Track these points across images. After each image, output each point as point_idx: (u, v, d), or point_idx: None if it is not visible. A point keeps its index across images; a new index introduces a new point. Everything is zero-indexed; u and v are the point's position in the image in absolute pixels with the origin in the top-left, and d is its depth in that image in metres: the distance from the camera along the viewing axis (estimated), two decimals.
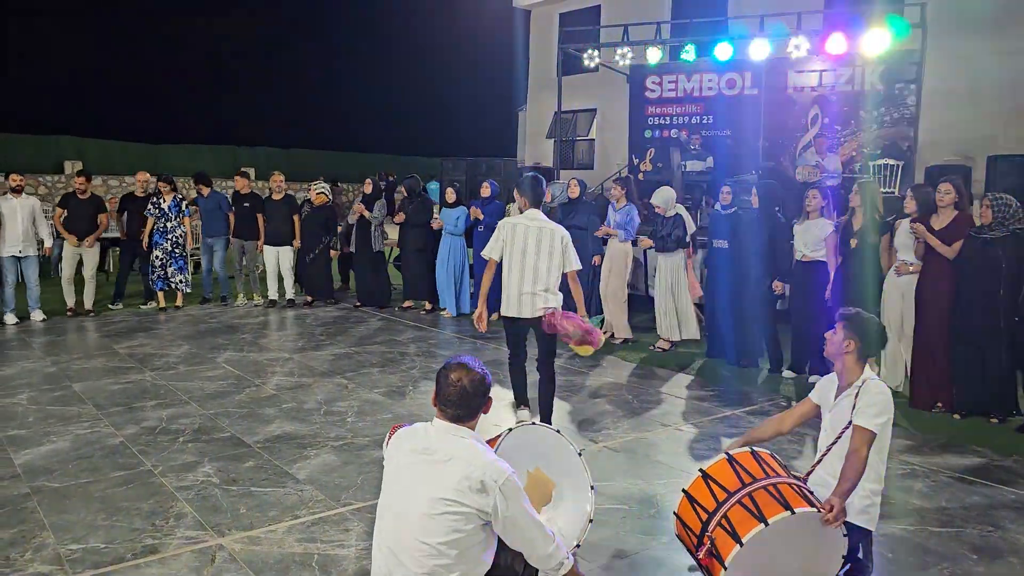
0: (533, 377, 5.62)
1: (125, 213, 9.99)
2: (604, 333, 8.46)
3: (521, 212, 5.41)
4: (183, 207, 9.95)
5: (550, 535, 2.52)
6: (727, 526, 2.77)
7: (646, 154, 13.80)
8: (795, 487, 2.86)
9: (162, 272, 9.86)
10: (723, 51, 11.42)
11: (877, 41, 9.91)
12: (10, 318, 8.84)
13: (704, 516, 2.87)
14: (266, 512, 4.07)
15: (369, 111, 39.13)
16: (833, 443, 3.06)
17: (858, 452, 2.92)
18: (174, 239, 9.81)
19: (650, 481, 4.59)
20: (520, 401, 5.67)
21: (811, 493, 2.89)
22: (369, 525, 3.85)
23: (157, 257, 9.84)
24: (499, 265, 5.35)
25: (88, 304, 9.45)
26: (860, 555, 3.05)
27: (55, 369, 6.92)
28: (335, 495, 4.30)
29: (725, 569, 2.70)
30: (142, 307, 9.97)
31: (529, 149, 19.23)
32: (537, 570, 2.68)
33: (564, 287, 5.32)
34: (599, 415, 5.90)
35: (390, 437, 2.67)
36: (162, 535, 3.78)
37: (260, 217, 10.26)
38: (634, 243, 8.41)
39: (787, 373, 7.07)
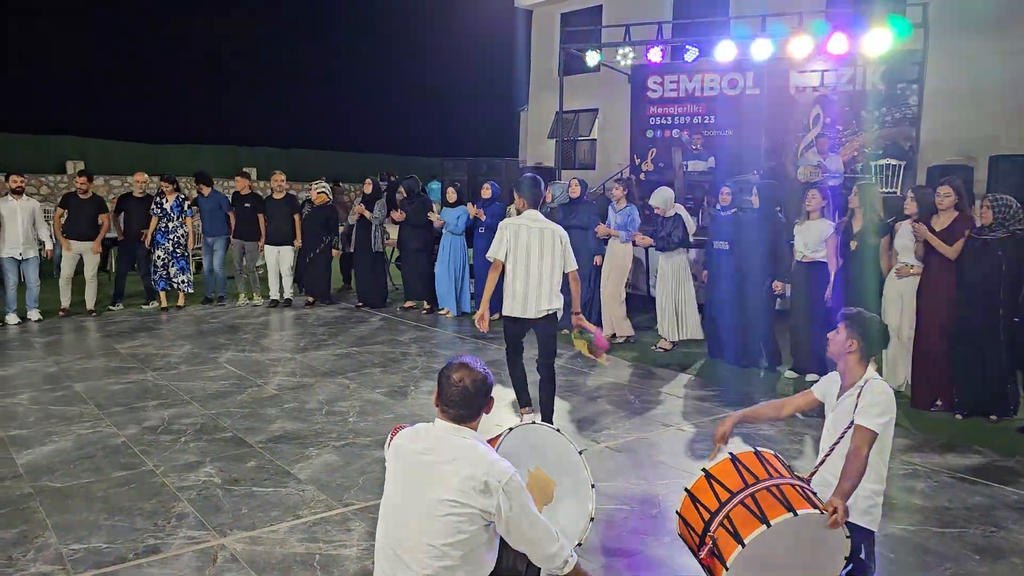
0: (532, 377, 5.63)
1: (123, 213, 9.95)
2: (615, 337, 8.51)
3: (519, 213, 5.43)
4: (185, 207, 9.96)
5: (554, 534, 2.52)
6: (729, 526, 2.76)
7: (648, 154, 13.80)
8: (798, 488, 2.85)
9: (164, 272, 9.86)
10: (725, 51, 11.42)
11: (879, 41, 9.90)
12: (12, 318, 8.85)
13: (706, 516, 2.87)
14: (268, 512, 4.07)
15: (370, 111, 39.15)
16: (835, 443, 3.05)
17: (859, 452, 2.91)
18: (175, 239, 9.82)
19: (651, 481, 4.59)
20: (523, 403, 5.67)
21: (814, 494, 2.88)
22: (371, 525, 3.85)
23: (159, 257, 9.85)
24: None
25: (90, 304, 9.46)
26: (862, 556, 3.05)
27: (57, 369, 6.93)
28: (337, 495, 4.30)
29: (727, 569, 2.70)
30: (144, 307, 9.96)
31: (530, 149, 19.22)
32: (539, 570, 2.68)
33: (564, 287, 5.35)
34: (600, 415, 5.90)
35: (392, 438, 2.67)
36: (164, 535, 3.79)
37: (261, 217, 10.27)
38: (634, 243, 8.41)
39: (788, 373, 7.07)
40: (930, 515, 4.16)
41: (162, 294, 9.99)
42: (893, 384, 6.24)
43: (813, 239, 6.83)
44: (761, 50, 11.00)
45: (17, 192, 8.86)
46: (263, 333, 8.75)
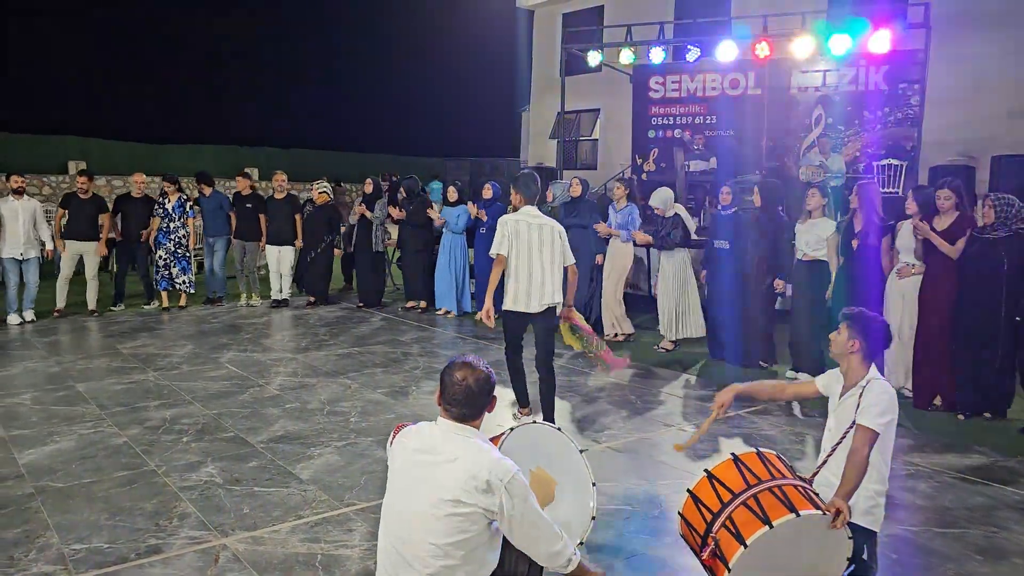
0: (531, 378, 5.64)
1: (120, 214, 9.87)
2: (605, 336, 8.51)
3: (516, 209, 5.48)
4: (187, 208, 9.96)
5: (557, 532, 2.52)
6: (731, 527, 2.76)
7: (649, 154, 13.80)
8: (800, 489, 2.85)
9: (166, 272, 9.87)
10: (726, 51, 11.42)
11: (880, 41, 9.91)
12: (13, 319, 8.85)
13: (709, 517, 2.86)
14: (269, 512, 4.07)
15: (372, 111, 39.19)
16: (838, 443, 3.05)
17: (859, 452, 2.91)
18: (177, 239, 9.83)
19: (653, 482, 4.59)
20: (522, 402, 5.68)
21: (816, 495, 2.88)
22: (373, 525, 3.85)
23: (160, 257, 9.86)
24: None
25: (91, 305, 9.46)
26: (864, 556, 3.04)
27: (59, 369, 6.93)
28: (339, 495, 4.30)
29: (729, 571, 2.70)
30: (144, 307, 9.96)
31: (532, 149, 19.23)
32: (542, 570, 2.67)
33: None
34: (602, 415, 5.90)
35: (394, 436, 2.67)
36: (166, 535, 3.79)
37: (262, 217, 10.27)
38: (634, 242, 8.42)
39: (789, 373, 7.06)
40: (932, 515, 4.16)
41: (164, 294, 9.99)
42: (894, 384, 6.24)
43: (814, 238, 6.83)
44: (763, 50, 10.99)
45: (18, 192, 8.86)
46: (264, 333, 8.75)
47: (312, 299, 10.59)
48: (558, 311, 5.47)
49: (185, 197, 10.09)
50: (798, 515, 2.70)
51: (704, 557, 2.83)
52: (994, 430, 5.64)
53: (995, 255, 5.65)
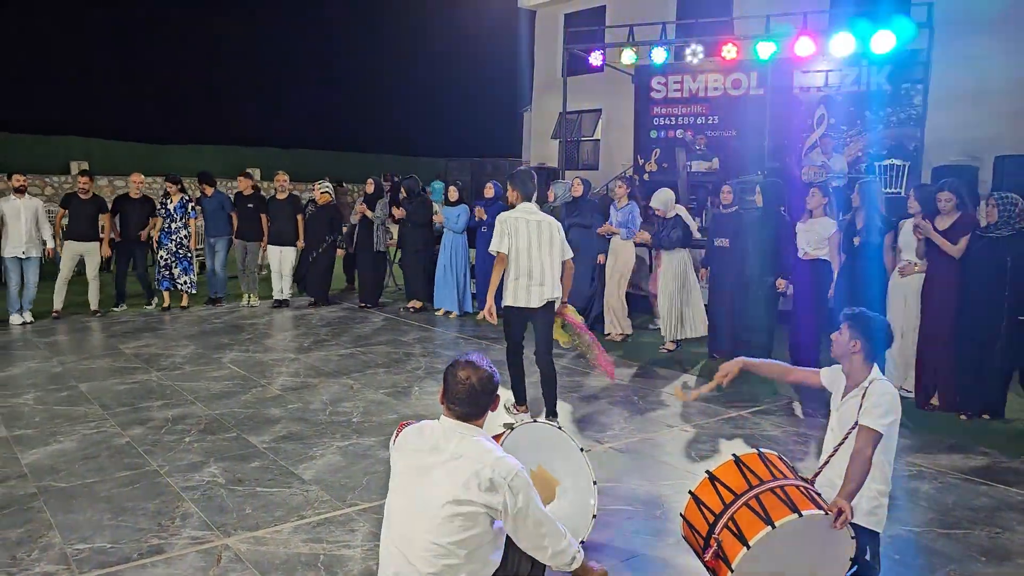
0: (532, 378, 5.65)
1: (119, 215, 9.83)
2: (608, 335, 8.52)
3: (513, 206, 5.51)
4: (189, 208, 9.97)
5: (561, 530, 2.51)
6: (734, 528, 2.76)
7: (651, 154, 13.80)
8: (802, 489, 2.85)
9: (167, 272, 9.88)
10: (728, 51, 11.42)
11: (883, 41, 9.89)
12: (15, 318, 8.86)
13: (711, 518, 2.86)
14: (272, 512, 4.07)
15: (374, 111, 39.20)
16: (840, 444, 3.04)
17: (862, 452, 2.90)
18: (179, 240, 9.84)
19: (656, 482, 4.58)
20: (520, 400, 5.69)
21: (818, 495, 2.88)
22: (375, 525, 3.85)
23: (162, 257, 9.87)
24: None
25: (93, 305, 9.46)
26: (867, 557, 3.04)
27: (61, 369, 6.94)
28: (341, 495, 4.30)
29: (732, 572, 2.69)
30: (145, 307, 9.95)
31: (534, 149, 19.23)
32: (544, 569, 2.67)
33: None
34: (604, 416, 5.89)
35: (397, 434, 2.66)
36: (168, 535, 3.79)
37: (264, 217, 10.27)
38: (635, 241, 8.43)
39: None
40: (935, 516, 4.15)
41: (165, 294, 10.00)
42: (894, 383, 6.23)
43: (816, 237, 6.83)
44: (765, 50, 10.98)
45: (20, 191, 8.87)
46: (266, 333, 8.76)
47: (314, 300, 10.59)
48: (556, 306, 5.50)
49: (187, 198, 10.09)
50: (800, 515, 2.69)
51: (707, 558, 2.83)
52: (996, 430, 5.63)
53: (998, 254, 5.65)
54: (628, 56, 12.49)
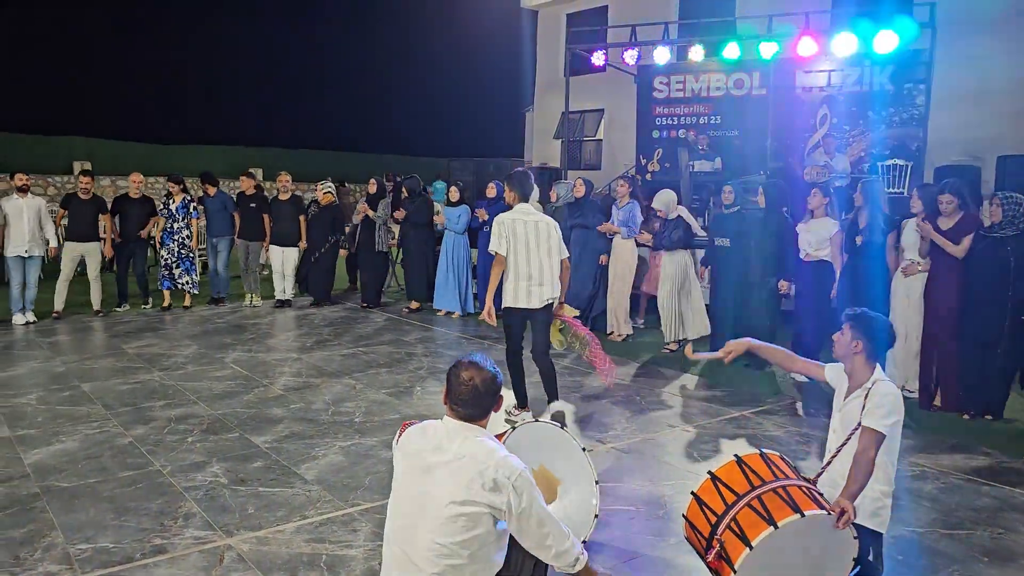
0: (532, 378, 5.67)
1: (118, 215, 9.77)
2: (610, 334, 8.52)
3: (511, 207, 5.54)
4: (191, 209, 9.97)
5: (565, 531, 2.51)
6: (736, 529, 2.76)
7: (654, 154, 13.79)
8: (805, 489, 2.84)
9: (167, 272, 9.89)
10: (731, 51, 11.40)
11: (886, 41, 9.88)
12: (18, 318, 8.87)
13: (713, 519, 2.86)
14: (274, 512, 4.07)
15: (376, 111, 39.24)
16: (843, 445, 3.04)
17: (866, 453, 2.89)
18: (180, 240, 9.84)
19: (658, 482, 4.58)
20: (521, 403, 5.69)
21: (821, 495, 2.87)
22: (377, 525, 3.85)
23: (163, 257, 9.88)
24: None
25: (96, 305, 9.47)
26: (870, 557, 3.03)
27: (64, 369, 6.95)
28: (343, 495, 4.31)
29: (735, 572, 2.69)
30: (142, 307, 9.90)
31: (536, 149, 19.23)
32: (546, 570, 2.67)
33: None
34: (606, 416, 5.89)
35: (400, 434, 2.66)
36: (171, 535, 3.79)
37: (266, 217, 10.28)
38: (637, 242, 8.42)
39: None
40: (938, 517, 4.14)
41: (166, 293, 10.01)
42: (898, 383, 6.23)
43: (817, 238, 6.81)
44: (767, 50, 10.96)
45: (23, 190, 8.87)
46: (268, 333, 8.77)
47: (314, 300, 10.60)
48: (555, 306, 5.55)
49: (189, 198, 10.09)
50: (803, 516, 2.69)
51: (709, 559, 2.82)
52: (999, 431, 5.63)
53: (1003, 254, 5.64)
54: (630, 56, 12.48)
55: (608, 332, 8.55)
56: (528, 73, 19.71)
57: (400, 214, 10.16)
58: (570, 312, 5.74)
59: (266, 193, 11.30)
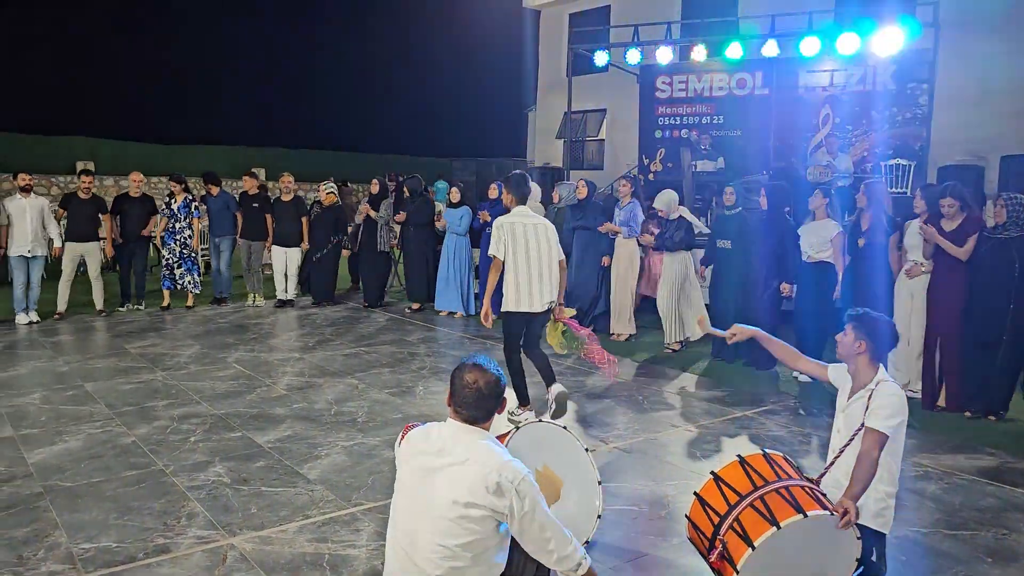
0: (532, 378, 5.68)
1: (119, 214, 9.75)
2: (612, 335, 8.52)
3: (508, 210, 5.57)
4: (192, 208, 9.97)
5: (567, 535, 2.50)
6: (739, 529, 2.75)
7: (656, 154, 13.78)
8: (807, 490, 2.84)
9: (168, 272, 9.89)
10: (734, 51, 11.39)
11: (889, 41, 9.86)
12: (22, 318, 8.89)
13: (716, 519, 2.86)
14: (277, 512, 4.08)
15: (379, 111, 39.27)
16: (846, 445, 3.03)
17: (869, 454, 2.89)
18: (182, 240, 9.85)
19: (660, 482, 4.58)
20: (522, 401, 5.70)
21: (824, 496, 2.87)
22: (380, 525, 3.85)
23: (164, 257, 9.88)
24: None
25: (98, 304, 9.48)
26: (874, 558, 3.03)
27: (67, 369, 6.96)
28: (346, 495, 4.31)
29: (737, 572, 2.69)
30: (136, 308, 9.82)
31: (539, 149, 19.24)
32: (548, 572, 2.67)
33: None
34: (609, 416, 5.89)
35: (403, 437, 2.66)
36: (174, 534, 3.80)
37: (269, 218, 10.29)
38: (639, 243, 8.42)
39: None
40: (941, 517, 4.14)
41: (166, 293, 10.02)
42: (901, 384, 6.22)
43: (818, 239, 6.80)
44: (770, 50, 10.95)
45: (26, 190, 8.88)
46: (271, 333, 8.77)
47: (315, 300, 10.61)
48: (555, 308, 5.58)
49: (191, 198, 10.09)
50: (806, 516, 2.69)
51: (712, 559, 2.82)
52: (1002, 431, 5.62)
53: (1007, 255, 5.63)
54: (633, 56, 12.48)
55: (611, 333, 8.55)
56: (530, 73, 19.71)
57: (401, 217, 10.16)
58: (568, 313, 5.76)
59: (269, 194, 11.29)
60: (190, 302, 10.14)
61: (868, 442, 2.91)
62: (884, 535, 3.06)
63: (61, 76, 31.53)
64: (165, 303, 10.02)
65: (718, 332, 3.73)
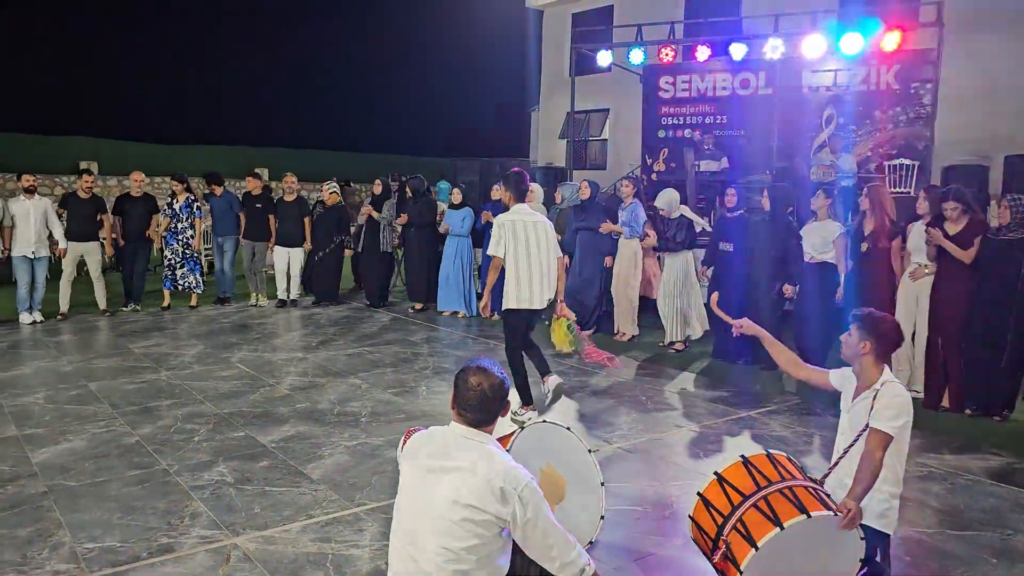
0: (531, 376, 5.71)
1: (121, 215, 9.72)
2: (616, 335, 8.52)
3: (507, 208, 5.61)
4: (194, 209, 9.98)
5: (571, 541, 2.49)
6: (742, 530, 2.75)
7: (659, 154, 13.77)
8: (811, 490, 2.84)
9: (170, 273, 9.91)
10: (737, 51, 11.38)
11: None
12: (25, 317, 8.90)
13: (719, 520, 2.85)
14: (280, 512, 4.08)
15: (382, 112, 39.29)
16: (850, 446, 3.03)
17: (873, 455, 2.89)
18: (184, 240, 9.86)
19: (664, 482, 4.57)
20: (525, 400, 5.70)
21: (827, 496, 2.86)
22: (383, 525, 3.85)
23: (167, 257, 9.89)
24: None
25: (101, 304, 9.49)
26: (878, 558, 3.03)
27: (71, 368, 6.97)
28: (349, 495, 4.31)
29: (740, 573, 2.68)
30: (135, 308, 9.81)
31: (542, 149, 19.23)
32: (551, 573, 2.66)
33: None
34: (612, 416, 5.88)
35: (405, 442, 2.65)
36: (177, 534, 3.80)
37: (271, 218, 10.30)
38: (641, 239, 8.41)
39: None
40: (946, 517, 4.13)
41: (166, 293, 10.03)
42: (903, 383, 6.20)
43: (820, 240, 6.78)
44: (773, 49, 10.95)
45: (30, 191, 8.89)
46: (274, 333, 8.78)
47: (316, 299, 10.62)
48: (557, 306, 5.64)
49: (193, 198, 10.09)
50: (809, 516, 2.68)
51: (715, 560, 2.82)
52: (1006, 431, 5.60)
53: (1011, 256, 5.62)
54: (636, 55, 12.48)
55: (614, 333, 8.55)
56: (533, 73, 19.72)
57: (403, 220, 10.15)
58: (568, 314, 5.79)
59: (273, 194, 11.32)
60: (193, 302, 10.15)
61: (872, 442, 2.91)
62: (888, 535, 3.06)
63: (64, 76, 31.60)
64: (165, 303, 10.03)
65: (727, 318, 3.75)
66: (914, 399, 5.18)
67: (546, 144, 18.97)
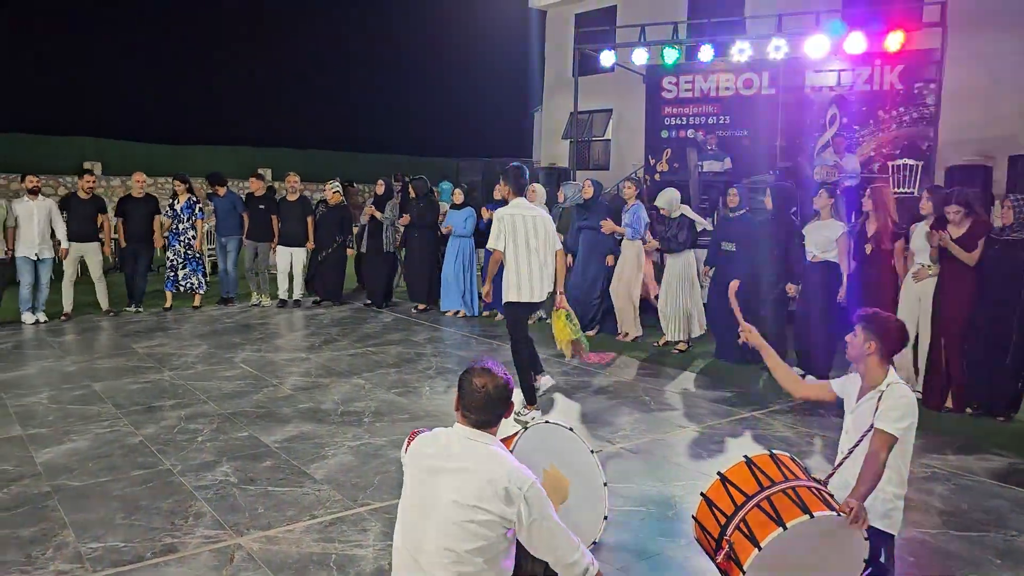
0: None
1: (123, 215, 9.71)
2: (619, 335, 8.52)
3: (506, 202, 5.68)
4: (196, 209, 9.98)
5: (575, 542, 2.49)
6: (745, 530, 2.75)
7: (662, 154, 13.76)
8: (814, 490, 2.83)
9: (172, 274, 9.92)
10: (740, 51, 11.37)
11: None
12: (28, 317, 8.92)
13: (722, 520, 2.85)
14: (284, 512, 4.08)
15: (385, 112, 39.31)
16: (854, 446, 3.02)
17: (877, 455, 2.88)
18: (186, 240, 9.87)
19: (667, 483, 4.57)
20: (529, 400, 5.69)
21: (831, 496, 2.86)
22: (387, 525, 3.86)
23: (168, 258, 9.91)
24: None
25: (104, 304, 9.51)
26: (882, 559, 3.02)
27: (74, 368, 6.98)
28: (353, 495, 4.31)
29: (744, 573, 2.68)
30: (136, 309, 9.81)
31: (545, 150, 19.23)
32: (555, 574, 2.66)
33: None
34: (614, 416, 5.88)
35: (408, 443, 2.65)
36: (181, 534, 3.81)
37: (274, 218, 10.31)
38: (643, 241, 8.41)
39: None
40: (949, 518, 4.12)
41: (168, 294, 10.05)
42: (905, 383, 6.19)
43: (823, 240, 6.77)
44: (777, 50, 10.93)
45: (33, 192, 8.91)
46: (277, 333, 8.79)
47: (318, 299, 10.63)
48: (556, 298, 5.70)
49: (195, 198, 10.10)
50: (812, 516, 2.68)
51: (718, 560, 2.81)
52: (1009, 432, 5.59)
53: (1014, 256, 5.62)
54: (639, 56, 12.46)
55: (617, 333, 8.55)
56: (536, 73, 19.72)
57: (405, 220, 10.16)
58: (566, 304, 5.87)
59: (276, 196, 11.32)
60: (197, 302, 10.16)
61: (876, 443, 2.90)
62: (892, 536, 3.05)
63: (67, 76, 31.65)
64: (167, 304, 10.05)
65: (737, 313, 3.76)
66: (917, 399, 5.19)
67: (549, 144, 18.97)
